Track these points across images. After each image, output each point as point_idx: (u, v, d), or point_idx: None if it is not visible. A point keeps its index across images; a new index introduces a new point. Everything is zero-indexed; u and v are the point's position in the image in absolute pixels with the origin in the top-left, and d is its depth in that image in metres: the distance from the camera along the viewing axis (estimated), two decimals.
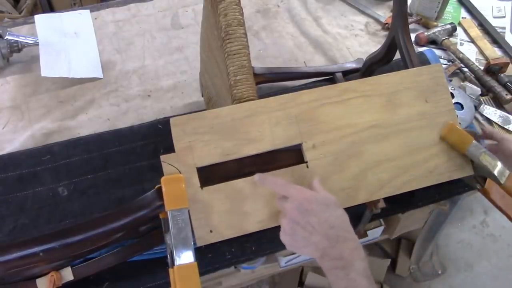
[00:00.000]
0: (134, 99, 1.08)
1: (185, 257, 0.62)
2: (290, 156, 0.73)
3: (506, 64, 1.14)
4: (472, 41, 1.25)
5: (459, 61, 1.18)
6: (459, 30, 1.27)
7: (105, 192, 0.88)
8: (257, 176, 0.68)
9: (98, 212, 0.85)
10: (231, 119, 0.70)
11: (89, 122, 1.02)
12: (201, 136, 0.70)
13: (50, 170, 0.90)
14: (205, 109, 0.96)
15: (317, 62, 1.18)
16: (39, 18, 1.16)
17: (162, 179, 0.67)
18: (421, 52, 1.16)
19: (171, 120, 0.70)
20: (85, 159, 0.92)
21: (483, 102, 1.11)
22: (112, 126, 1.01)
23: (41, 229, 0.83)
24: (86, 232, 0.70)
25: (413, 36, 1.21)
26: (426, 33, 1.23)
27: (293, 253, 0.97)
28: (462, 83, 1.14)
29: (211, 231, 0.69)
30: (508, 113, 1.09)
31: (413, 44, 0.94)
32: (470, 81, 1.15)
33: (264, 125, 0.71)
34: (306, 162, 0.72)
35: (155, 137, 0.95)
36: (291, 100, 0.73)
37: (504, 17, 1.33)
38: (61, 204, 0.86)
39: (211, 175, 0.70)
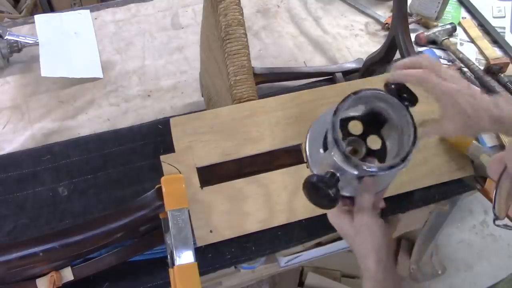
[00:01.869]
0: (134, 99, 1.07)
1: (185, 257, 0.62)
2: (290, 156, 0.73)
3: (506, 64, 1.13)
4: (472, 41, 1.25)
5: (459, 61, 1.18)
6: (459, 30, 1.27)
7: (105, 192, 0.88)
8: None
9: (98, 212, 0.85)
10: (231, 119, 0.70)
11: (89, 122, 1.02)
12: (201, 136, 0.70)
13: (50, 170, 0.90)
14: (205, 109, 0.96)
15: (317, 62, 1.18)
16: (39, 18, 1.16)
17: (162, 179, 0.67)
18: (421, 52, 1.15)
19: (171, 120, 0.70)
20: (85, 159, 0.92)
21: None
22: (112, 126, 1.01)
23: (41, 229, 0.82)
24: (86, 232, 0.70)
25: (413, 36, 1.21)
26: (426, 33, 1.23)
27: (293, 253, 0.97)
28: None
29: (211, 231, 0.69)
30: None
31: (413, 44, 0.94)
32: (470, 81, 1.15)
33: (264, 125, 0.71)
34: (306, 162, 0.72)
35: (155, 137, 0.95)
36: (291, 100, 0.73)
37: (504, 17, 1.32)
38: (61, 204, 0.86)
39: (211, 175, 0.71)
